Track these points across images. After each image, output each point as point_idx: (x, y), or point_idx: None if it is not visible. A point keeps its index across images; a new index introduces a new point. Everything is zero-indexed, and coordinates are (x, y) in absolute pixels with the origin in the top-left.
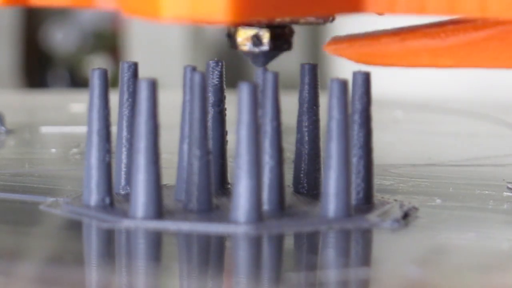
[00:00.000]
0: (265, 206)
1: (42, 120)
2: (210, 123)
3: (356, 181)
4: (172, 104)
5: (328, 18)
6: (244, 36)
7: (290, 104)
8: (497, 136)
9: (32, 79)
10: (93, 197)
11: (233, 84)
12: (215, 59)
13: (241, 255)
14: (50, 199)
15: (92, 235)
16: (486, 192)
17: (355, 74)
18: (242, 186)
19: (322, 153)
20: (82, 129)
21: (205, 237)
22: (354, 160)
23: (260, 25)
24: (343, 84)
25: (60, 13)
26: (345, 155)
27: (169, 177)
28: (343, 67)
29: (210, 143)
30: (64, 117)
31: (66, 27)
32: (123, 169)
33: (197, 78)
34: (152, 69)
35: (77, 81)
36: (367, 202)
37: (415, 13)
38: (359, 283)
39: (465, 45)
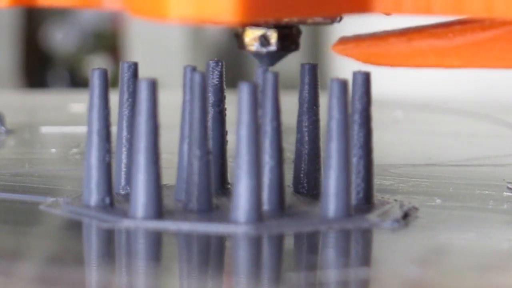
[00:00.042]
0: (265, 206)
1: (42, 120)
2: (210, 123)
3: (356, 181)
4: (172, 104)
5: (335, 18)
6: (251, 37)
7: (290, 104)
8: (497, 136)
9: (32, 79)
10: (93, 197)
11: (233, 84)
12: (215, 59)
13: (241, 255)
14: (50, 199)
15: (92, 235)
16: (486, 192)
17: (355, 74)
18: (242, 186)
19: (322, 153)
20: (82, 129)
21: (205, 237)
22: (354, 160)
23: (267, 26)
24: (343, 84)
25: (60, 13)
26: (345, 155)
27: (169, 177)
28: (343, 67)
29: (210, 143)
30: (64, 117)
31: (66, 27)
32: (123, 169)
33: (197, 78)
34: (152, 69)
35: (77, 81)
36: (367, 202)
37: (422, 13)
38: (359, 283)
39: (472, 45)
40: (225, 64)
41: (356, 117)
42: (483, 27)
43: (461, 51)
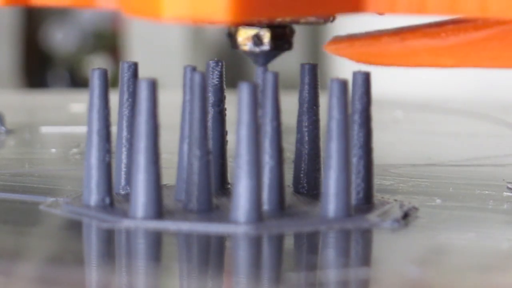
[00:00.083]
0: (265, 206)
1: (42, 120)
2: (210, 123)
3: (356, 181)
4: (172, 104)
5: (329, 18)
6: (244, 36)
7: (290, 104)
8: (497, 136)
9: (32, 79)
10: (93, 197)
11: (233, 84)
12: (215, 59)
13: (241, 255)
14: (50, 199)
15: (92, 235)
16: (486, 192)
17: (355, 74)
18: (242, 186)
19: (322, 153)
20: (82, 129)
21: (205, 237)
22: (354, 160)
23: (260, 25)
24: (343, 84)
25: (60, 13)
26: (345, 155)
27: (169, 177)
28: (343, 67)
29: (210, 143)
30: (64, 117)
31: (66, 27)
32: (123, 169)
33: (197, 78)
34: (152, 69)
35: (77, 81)
36: (367, 202)
37: (416, 13)
38: (359, 283)
39: (465, 45)
40: (225, 64)
41: (356, 117)
42: (476, 26)
43: (454, 50)
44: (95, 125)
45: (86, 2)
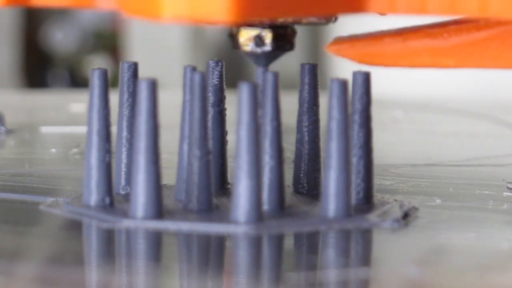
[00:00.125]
0: (265, 206)
1: (42, 120)
2: (210, 123)
3: (356, 181)
4: (172, 104)
5: (330, 18)
6: (246, 37)
7: (290, 104)
8: (497, 136)
9: (32, 79)
10: (93, 197)
11: (233, 84)
12: (215, 59)
13: (241, 255)
14: (50, 199)
15: (92, 235)
16: (486, 192)
17: (355, 74)
18: (242, 186)
19: (322, 153)
20: (82, 129)
21: (205, 237)
22: (354, 160)
23: (262, 26)
24: (343, 84)
25: (60, 13)
26: (345, 155)
27: (169, 177)
28: (343, 67)
29: (210, 143)
30: (64, 117)
31: (66, 27)
32: (123, 169)
33: (197, 78)
34: (152, 69)
35: (77, 81)
36: (367, 202)
37: (416, 13)
38: (359, 283)
39: (467, 45)
40: (225, 64)
41: (356, 117)
42: (478, 27)
43: (456, 51)
44: (95, 125)
45: (86, 2)
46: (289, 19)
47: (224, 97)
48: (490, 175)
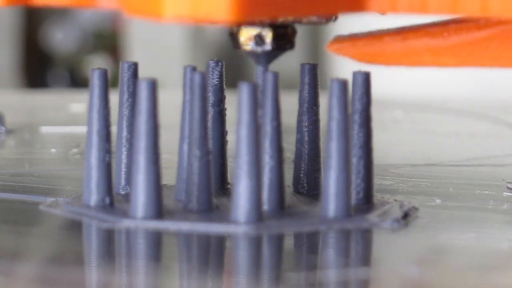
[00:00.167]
0: (265, 206)
1: (42, 120)
2: (210, 123)
3: (356, 181)
4: (172, 104)
5: (331, 17)
6: (246, 36)
7: (290, 104)
8: (497, 136)
9: (32, 79)
10: (93, 197)
11: (233, 84)
12: (215, 59)
13: (241, 255)
14: (50, 199)
15: (92, 235)
16: (486, 192)
17: (355, 74)
18: (242, 186)
19: (322, 153)
20: (82, 129)
21: (205, 237)
22: (354, 160)
23: (262, 25)
24: (343, 84)
25: (60, 13)
26: (345, 155)
27: (169, 177)
28: (343, 67)
29: (210, 143)
30: (64, 117)
31: (66, 27)
32: (123, 169)
33: (197, 78)
34: (152, 69)
35: (77, 81)
36: (367, 202)
37: (417, 12)
38: (359, 283)
39: (467, 44)
40: (225, 64)
41: (356, 117)
42: (478, 26)
43: (456, 50)
44: (95, 125)
45: (87, 1)
46: (290, 18)
47: (224, 97)
48: (490, 175)
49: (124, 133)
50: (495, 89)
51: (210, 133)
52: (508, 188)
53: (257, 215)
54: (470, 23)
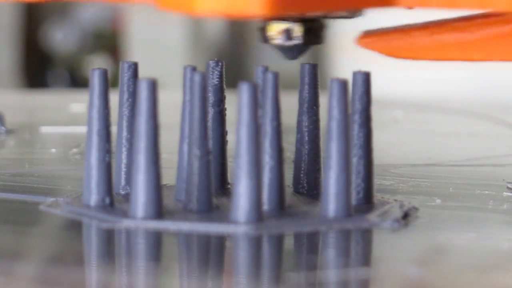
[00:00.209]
0: (265, 206)
1: (42, 120)
2: (210, 123)
3: (356, 181)
4: (172, 104)
5: (359, 12)
6: (276, 30)
7: (290, 104)
8: (497, 136)
9: (32, 79)
10: (93, 197)
11: (233, 84)
12: (215, 59)
13: (241, 255)
14: (50, 199)
15: (92, 235)
16: (486, 192)
17: (355, 74)
18: (242, 186)
19: (322, 153)
20: (82, 129)
21: (205, 237)
22: (354, 160)
23: (291, 19)
24: (343, 84)
25: (60, 13)
26: (345, 155)
27: (169, 177)
28: (343, 67)
29: (210, 143)
30: (64, 117)
31: (66, 27)
32: (123, 169)
33: (197, 78)
34: (152, 69)
35: (77, 81)
36: (367, 202)
37: (446, 7)
38: (359, 283)
39: (493, 38)
40: (225, 64)
41: (356, 117)
42: (504, 20)
43: (482, 44)
44: (95, 125)
45: None
46: (318, 13)
47: (224, 97)
48: (490, 175)
49: (124, 133)
50: (495, 89)
51: (210, 133)
52: (508, 188)
53: (257, 215)
54: (496, 17)
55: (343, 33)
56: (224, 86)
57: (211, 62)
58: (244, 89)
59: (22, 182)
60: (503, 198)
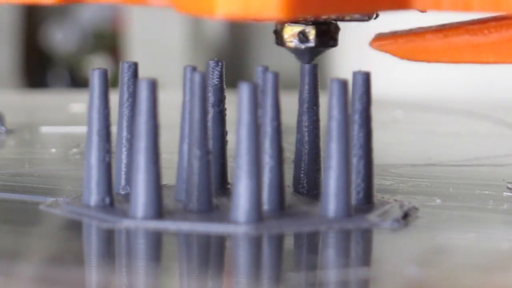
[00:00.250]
0: (265, 206)
1: (42, 120)
2: (210, 123)
3: (356, 181)
4: (172, 104)
5: (373, 15)
6: (290, 33)
7: (290, 104)
8: (497, 136)
9: (32, 79)
10: (93, 197)
11: (233, 84)
12: (215, 59)
13: (241, 255)
14: (50, 199)
15: (92, 235)
16: (486, 192)
17: (355, 74)
18: (242, 186)
19: (322, 153)
20: (82, 129)
21: (205, 237)
22: (354, 160)
23: (306, 22)
24: (343, 84)
25: (60, 13)
26: (345, 155)
27: (169, 177)
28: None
29: (210, 143)
30: (64, 117)
31: (66, 27)
32: (123, 169)
33: (197, 78)
34: (152, 69)
35: (77, 81)
36: (367, 202)
37: (460, 10)
38: (359, 283)
39: (507, 41)
40: (225, 64)
41: (356, 117)
42: None
43: (496, 47)
44: (95, 125)
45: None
46: (333, 16)
47: (224, 97)
48: (490, 175)
49: (124, 133)
50: (495, 89)
51: (210, 133)
52: (508, 188)
53: (257, 215)
54: (509, 20)
55: (343, 34)
56: (224, 86)
57: (211, 62)
58: (244, 89)
59: (22, 182)
60: (503, 198)
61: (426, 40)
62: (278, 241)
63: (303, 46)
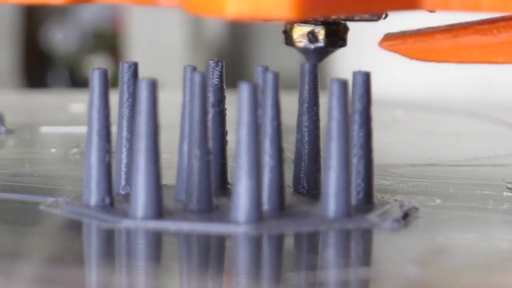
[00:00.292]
0: (265, 206)
1: (42, 120)
2: (210, 123)
3: (356, 181)
4: (172, 104)
5: (382, 15)
6: (299, 33)
7: (290, 104)
8: (497, 136)
9: (32, 79)
10: (93, 197)
11: (233, 84)
12: (215, 59)
13: (241, 255)
14: (50, 199)
15: (92, 235)
16: (486, 192)
17: (355, 74)
18: (242, 186)
19: (322, 153)
20: (82, 129)
21: (205, 237)
22: (354, 160)
23: (315, 22)
24: (343, 84)
25: (60, 13)
26: (345, 155)
27: (169, 177)
28: (343, 67)
29: (210, 143)
30: (64, 117)
31: (66, 27)
32: (123, 169)
33: (197, 78)
34: (152, 69)
35: (77, 81)
36: (367, 202)
37: (470, 10)
38: (359, 283)
39: None
40: (225, 64)
41: (356, 117)
42: None
43: (505, 47)
44: (95, 125)
45: (148, 0)
46: (342, 16)
47: (224, 97)
48: (490, 175)
49: (124, 133)
50: (495, 89)
51: (210, 133)
52: (508, 188)
53: (257, 215)
54: None
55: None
56: (224, 86)
57: (211, 62)
58: (244, 89)
59: (22, 182)
60: (503, 198)
61: (435, 40)
62: (278, 241)
63: (312, 46)
